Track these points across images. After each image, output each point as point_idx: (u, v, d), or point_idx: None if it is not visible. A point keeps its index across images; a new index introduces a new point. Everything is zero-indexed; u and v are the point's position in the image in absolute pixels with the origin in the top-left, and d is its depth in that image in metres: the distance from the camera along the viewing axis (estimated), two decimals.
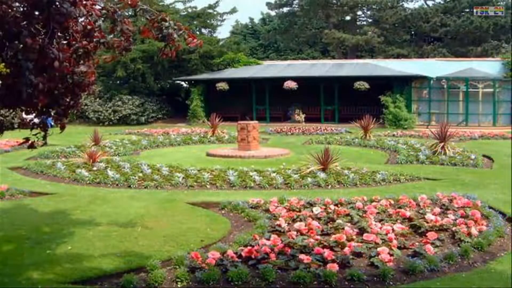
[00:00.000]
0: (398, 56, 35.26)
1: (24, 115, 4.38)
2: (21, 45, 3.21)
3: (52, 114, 4.14)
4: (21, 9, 3.39)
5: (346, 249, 4.92)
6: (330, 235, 5.50)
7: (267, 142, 16.02)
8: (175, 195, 8.13)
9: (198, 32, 30.85)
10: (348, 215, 6.19)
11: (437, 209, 6.31)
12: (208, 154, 12.81)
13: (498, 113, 22.76)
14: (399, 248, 5.06)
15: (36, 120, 4.17)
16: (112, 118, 26.22)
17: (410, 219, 5.94)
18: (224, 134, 16.72)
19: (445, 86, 22.86)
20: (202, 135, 16.81)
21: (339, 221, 5.91)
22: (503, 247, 5.26)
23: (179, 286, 4.31)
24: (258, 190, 8.32)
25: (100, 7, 4.01)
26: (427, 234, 5.35)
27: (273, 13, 44.65)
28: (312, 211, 6.40)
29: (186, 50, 24.13)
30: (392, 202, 6.72)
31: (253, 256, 4.78)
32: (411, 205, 6.55)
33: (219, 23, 33.18)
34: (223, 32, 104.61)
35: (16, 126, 4.75)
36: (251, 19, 47.92)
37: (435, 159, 11.09)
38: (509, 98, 22.62)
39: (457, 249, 5.02)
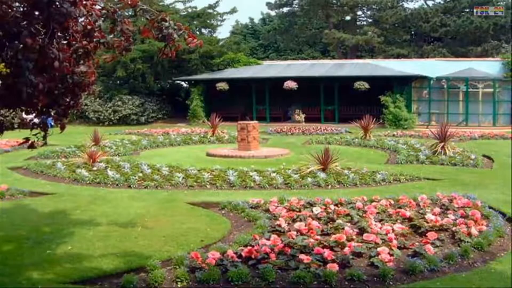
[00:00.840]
0: (398, 56, 35.25)
1: (24, 115, 4.37)
2: (21, 45, 3.21)
3: (52, 114, 4.14)
4: (21, 9, 3.39)
5: (346, 249, 4.92)
6: (330, 235, 5.49)
7: (267, 142, 16.02)
8: (175, 195, 8.13)
9: (198, 32, 30.84)
10: (348, 215, 6.19)
11: (437, 209, 6.31)
12: (208, 154, 12.81)
13: (498, 113, 22.75)
14: (399, 248, 5.06)
15: (36, 120, 4.16)
16: (112, 118, 26.22)
17: (410, 219, 5.94)
18: (224, 134, 16.72)
19: (445, 86, 22.86)
20: (202, 135, 16.81)
21: (339, 221, 5.91)
22: (503, 247, 5.26)
23: (179, 286, 4.31)
24: (258, 190, 8.32)
25: (100, 7, 4.01)
26: (427, 234, 5.35)
27: (273, 13, 44.66)
28: (312, 211, 6.40)
29: (186, 50, 24.12)
30: (392, 202, 6.72)
31: (253, 256, 4.78)
32: (411, 205, 6.55)
33: (219, 23, 33.14)
34: (223, 32, 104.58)
35: (16, 126, 4.75)
36: (251, 19, 47.93)
37: (435, 159, 11.09)
38: (509, 98, 22.62)
39: (457, 249, 5.02)
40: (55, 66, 3.37)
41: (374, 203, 6.64)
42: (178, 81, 28.91)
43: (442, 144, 11.87)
